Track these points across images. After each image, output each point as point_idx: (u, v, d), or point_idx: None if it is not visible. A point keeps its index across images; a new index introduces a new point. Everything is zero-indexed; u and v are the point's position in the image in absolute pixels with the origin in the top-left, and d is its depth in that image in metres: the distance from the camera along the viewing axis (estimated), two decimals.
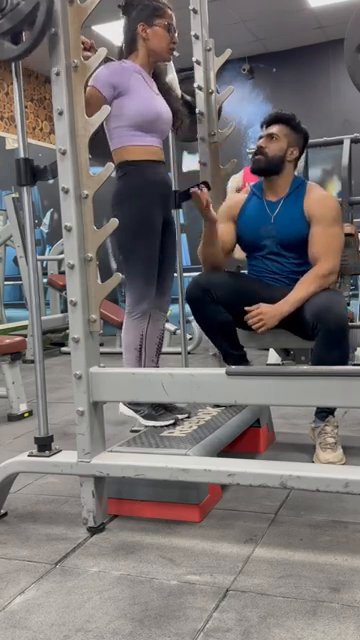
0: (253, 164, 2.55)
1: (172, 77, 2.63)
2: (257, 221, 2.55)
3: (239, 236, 2.58)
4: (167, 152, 2.77)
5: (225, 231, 2.59)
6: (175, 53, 2.50)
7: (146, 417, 2.37)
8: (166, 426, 2.34)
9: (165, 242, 2.48)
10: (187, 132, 2.77)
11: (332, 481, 1.71)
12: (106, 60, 2.38)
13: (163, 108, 2.43)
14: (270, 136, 2.52)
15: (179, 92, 2.66)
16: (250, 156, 2.66)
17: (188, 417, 2.43)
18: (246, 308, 2.41)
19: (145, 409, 2.38)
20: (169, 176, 2.55)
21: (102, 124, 2.28)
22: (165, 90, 2.51)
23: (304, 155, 4.79)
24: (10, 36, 1.89)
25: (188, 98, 2.76)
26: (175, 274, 2.70)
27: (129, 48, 2.42)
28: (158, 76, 2.51)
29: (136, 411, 2.39)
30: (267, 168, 2.51)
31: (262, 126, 2.58)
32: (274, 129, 2.52)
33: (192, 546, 1.87)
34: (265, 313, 2.38)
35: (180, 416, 2.40)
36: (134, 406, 2.40)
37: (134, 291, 2.39)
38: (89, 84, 2.24)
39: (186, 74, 2.82)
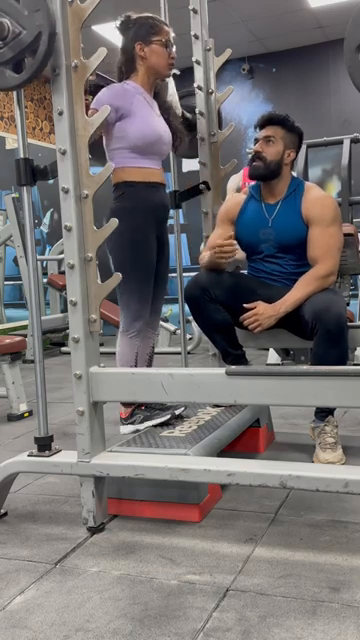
0: (252, 170, 2.54)
1: (172, 94, 2.63)
2: (255, 225, 2.54)
3: (238, 239, 2.58)
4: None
5: (224, 235, 2.59)
6: (175, 71, 2.50)
7: (143, 421, 2.38)
8: (164, 422, 2.34)
9: (158, 263, 2.48)
10: (186, 150, 2.79)
11: (332, 481, 1.71)
12: (107, 82, 2.39)
13: (164, 129, 2.43)
14: (266, 139, 2.51)
15: (180, 110, 2.67)
16: (250, 156, 2.66)
17: (184, 409, 2.44)
18: (244, 305, 2.41)
19: (140, 415, 2.39)
20: (167, 198, 2.56)
21: (101, 138, 2.31)
22: (166, 109, 2.52)
23: (304, 155, 4.81)
24: (11, 65, 1.89)
25: (189, 115, 2.76)
26: (175, 274, 2.70)
27: (129, 68, 2.42)
28: (158, 95, 2.51)
29: (133, 423, 2.40)
30: (266, 174, 2.51)
31: (256, 128, 2.56)
32: (270, 131, 2.51)
33: (192, 546, 1.87)
34: (261, 313, 2.38)
35: (177, 411, 2.40)
36: (129, 419, 2.40)
37: (130, 310, 2.40)
38: (91, 107, 2.25)
39: (187, 91, 2.83)
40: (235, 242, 2.42)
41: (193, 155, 2.85)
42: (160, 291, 2.56)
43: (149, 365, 2.59)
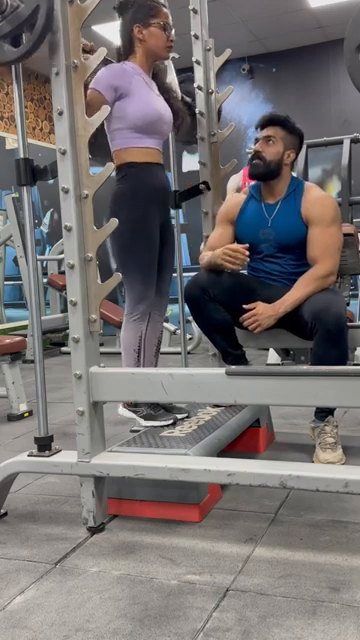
0: (251, 169, 2.54)
1: (172, 78, 2.63)
2: (255, 225, 2.54)
3: (238, 239, 2.58)
4: (167, 152, 2.77)
5: (224, 235, 2.59)
6: (175, 55, 2.50)
7: (145, 417, 2.37)
8: (165, 426, 2.34)
9: (163, 244, 2.48)
10: (187, 132, 2.77)
11: (332, 481, 1.71)
12: (106, 62, 2.38)
13: (164, 109, 2.43)
14: (267, 139, 2.51)
15: (179, 94, 2.67)
16: (250, 156, 2.66)
17: (187, 417, 2.43)
18: (244, 306, 2.41)
19: (144, 410, 2.39)
20: (168, 178, 2.56)
21: (102, 124, 2.30)
22: (165, 90, 2.52)
23: (304, 155, 4.80)
24: (10, 39, 1.89)
25: (188, 99, 2.76)
26: (175, 274, 2.70)
27: (127, 50, 2.42)
28: (158, 76, 2.52)
29: (135, 412, 2.39)
30: (265, 173, 2.51)
31: (257, 128, 2.57)
32: (270, 131, 2.51)
33: (192, 546, 1.87)
34: (261, 313, 2.38)
35: (179, 416, 2.40)
36: (133, 407, 2.40)
37: (133, 292, 2.40)
38: (90, 86, 2.24)
39: (186, 75, 2.82)
40: (246, 249, 2.39)
41: (194, 139, 2.82)
42: (165, 273, 2.54)
43: (157, 350, 2.56)
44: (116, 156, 2.38)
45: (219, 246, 2.46)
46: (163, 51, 2.41)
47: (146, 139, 2.37)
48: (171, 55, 2.49)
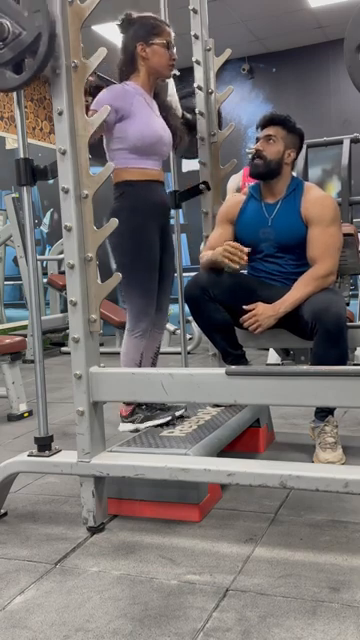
0: (252, 168, 2.55)
1: (172, 94, 2.63)
2: (255, 224, 2.54)
3: (238, 239, 2.58)
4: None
5: (224, 235, 2.59)
6: (175, 72, 2.50)
7: (143, 421, 2.38)
8: (164, 423, 2.34)
9: (162, 261, 2.48)
10: (186, 149, 2.78)
11: (332, 481, 1.71)
12: (107, 83, 2.39)
13: (164, 130, 2.43)
14: (267, 138, 2.51)
15: (180, 111, 2.67)
16: (250, 156, 2.66)
17: (185, 411, 2.44)
18: (244, 307, 2.41)
19: (140, 415, 2.39)
20: (167, 195, 2.56)
21: (101, 138, 2.31)
22: (166, 108, 2.52)
23: (304, 155, 4.80)
24: (12, 66, 1.89)
25: (189, 116, 2.76)
26: (175, 274, 2.70)
27: (129, 68, 2.41)
28: (158, 95, 2.51)
29: (133, 421, 2.40)
30: (266, 172, 2.51)
31: (257, 128, 2.57)
32: (271, 131, 2.51)
33: (192, 546, 1.87)
34: (261, 314, 2.38)
35: (177, 412, 2.40)
36: (130, 417, 2.40)
37: (134, 308, 2.39)
38: (91, 108, 2.25)
39: (187, 91, 2.83)
40: (246, 250, 2.39)
41: (193, 155, 2.85)
42: (165, 289, 2.54)
43: (153, 363, 2.58)
44: (115, 174, 2.37)
45: (219, 246, 2.46)
46: (165, 69, 2.41)
47: (145, 160, 2.37)
48: (172, 72, 2.49)
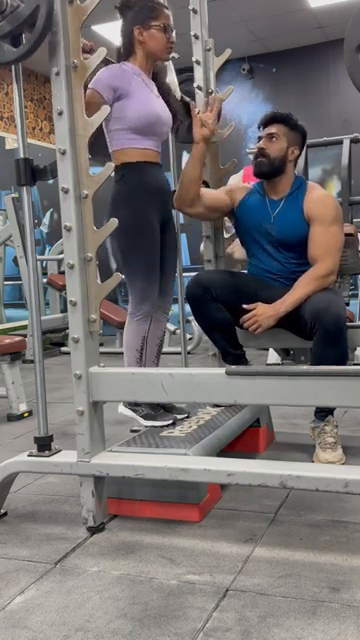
0: (256, 167, 2.55)
1: (171, 78, 2.63)
2: (258, 218, 2.55)
3: (239, 224, 2.59)
4: (167, 152, 2.77)
5: (217, 196, 2.62)
6: (175, 55, 2.49)
7: (145, 417, 2.37)
8: (165, 426, 2.34)
9: (165, 243, 2.48)
10: (186, 133, 2.77)
11: (332, 481, 1.71)
12: (106, 62, 2.38)
13: (163, 110, 2.43)
14: (270, 136, 2.52)
15: (179, 94, 2.67)
16: (250, 156, 2.66)
17: (187, 417, 2.43)
18: (244, 306, 2.41)
19: (144, 409, 2.39)
20: (166, 177, 2.56)
21: (101, 125, 2.29)
22: (165, 91, 2.52)
23: (304, 155, 4.79)
24: (10, 39, 1.88)
25: (187, 99, 2.76)
26: (175, 274, 2.70)
27: (127, 50, 2.42)
28: (157, 76, 2.51)
29: (135, 411, 2.39)
30: (270, 171, 2.51)
31: (259, 127, 2.58)
32: (273, 129, 2.52)
33: (192, 546, 1.87)
34: (261, 314, 2.38)
35: (179, 416, 2.40)
36: (133, 406, 2.40)
37: (136, 291, 2.39)
38: (89, 86, 2.24)
39: (186, 75, 2.82)
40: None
41: (192, 140, 2.83)
42: (168, 272, 2.54)
43: (159, 350, 2.56)
44: (114, 157, 2.38)
45: (207, 196, 2.56)
46: (163, 53, 2.41)
47: (144, 140, 2.37)
48: (171, 55, 2.49)
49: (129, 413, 2.41)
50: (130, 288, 2.41)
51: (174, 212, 2.74)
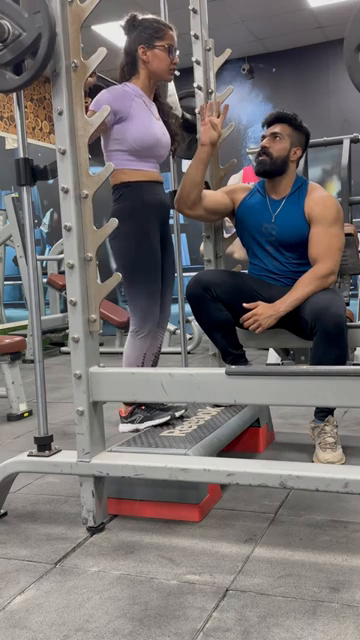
0: (258, 166, 2.55)
1: (172, 95, 2.63)
2: (258, 217, 2.55)
3: (238, 225, 2.59)
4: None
5: (217, 199, 2.62)
6: (176, 73, 2.50)
7: (143, 421, 2.38)
8: (164, 423, 2.34)
9: (164, 261, 2.48)
10: (185, 151, 2.78)
11: (332, 481, 1.71)
12: (108, 84, 2.38)
13: (162, 134, 2.42)
14: (274, 135, 2.52)
15: (179, 111, 2.66)
16: (250, 156, 2.66)
17: (185, 411, 2.44)
18: (244, 305, 2.41)
19: (140, 415, 2.39)
20: (167, 195, 2.56)
21: (100, 138, 2.30)
22: (165, 112, 2.51)
23: (304, 155, 4.80)
24: (12, 66, 1.89)
25: (188, 116, 2.76)
26: (175, 274, 2.70)
27: (130, 69, 2.41)
28: (158, 95, 2.51)
29: (132, 422, 2.40)
30: (272, 170, 2.52)
31: (264, 126, 2.58)
32: (277, 128, 2.52)
33: (192, 546, 1.87)
34: (261, 314, 2.38)
35: (177, 413, 2.40)
36: (129, 418, 2.40)
37: (139, 312, 2.39)
38: (90, 108, 2.24)
39: (187, 92, 2.83)
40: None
41: (192, 156, 2.85)
42: (167, 290, 2.55)
43: (155, 363, 2.58)
44: (112, 176, 2.36)
45: (207, 198, 2.57)
46: (166, 74, 2.41)
47: (143, 163, 2.37)
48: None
49: (129, 427, 2.40)
50: (132, 307, 2.41)
51: (173, 212, 2.75)
